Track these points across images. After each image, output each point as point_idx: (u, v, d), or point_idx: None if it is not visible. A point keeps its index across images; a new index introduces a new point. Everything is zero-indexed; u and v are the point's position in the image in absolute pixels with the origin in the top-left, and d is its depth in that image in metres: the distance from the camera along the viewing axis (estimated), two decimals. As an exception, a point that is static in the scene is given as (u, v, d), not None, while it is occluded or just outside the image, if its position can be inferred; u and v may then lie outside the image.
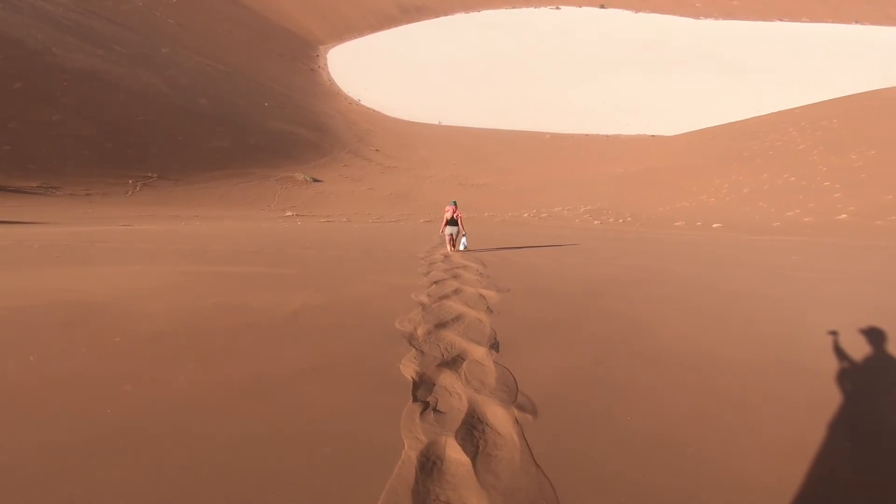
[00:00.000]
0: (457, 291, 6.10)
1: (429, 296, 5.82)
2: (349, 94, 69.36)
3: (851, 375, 3.85)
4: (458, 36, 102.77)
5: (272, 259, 8.36)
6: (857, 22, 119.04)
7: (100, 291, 5.45)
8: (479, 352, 4.01)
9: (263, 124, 43.04)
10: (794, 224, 20.90)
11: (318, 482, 2.30)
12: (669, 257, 11.42)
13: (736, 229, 20.46)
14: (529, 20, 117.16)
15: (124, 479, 2.28)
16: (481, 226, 20.37)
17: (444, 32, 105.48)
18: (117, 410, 2.89)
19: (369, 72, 78.87)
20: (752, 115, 51.27)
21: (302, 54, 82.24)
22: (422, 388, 3.32)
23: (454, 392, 3.28)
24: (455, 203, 10.44)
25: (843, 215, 20.92)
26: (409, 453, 2.52)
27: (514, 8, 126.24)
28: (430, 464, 2.48)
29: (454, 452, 2.57)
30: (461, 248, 10.27)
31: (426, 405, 3.07)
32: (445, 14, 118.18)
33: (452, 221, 10.12)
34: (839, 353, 4.28)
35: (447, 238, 10.22)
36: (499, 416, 2.96)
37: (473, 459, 2.51)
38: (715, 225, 21.65)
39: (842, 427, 3.02)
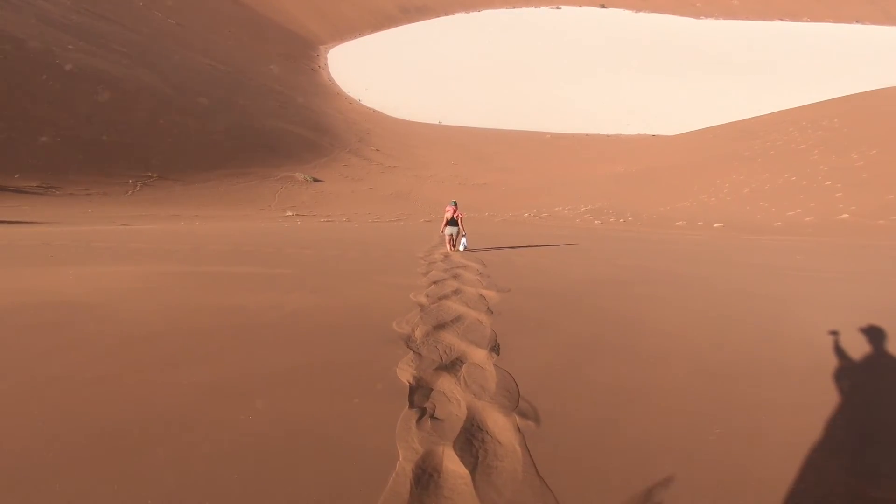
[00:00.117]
0: (456, 292, 5.95)
1: (428, 296, 5.67)
2: (349, 94, 69.25)
3: (851, 375, 3.80)
4: (459, 36, 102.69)
5: (269, 259, 8.23)
6: (857, 21, 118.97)
7: (87, 292, 5.31)
8: (479, 354, 3.86)
9: (264, 124, 42.93)
10: (796, 224, 20.76)
11: (303, 497, 2.15)
12: (672, 257, 11.29)
13: (737, 229, 20.32)
14: (530, 20, 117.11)
15: (105, 483, 2.14)
16: (482, 225, 20.23)
17: (445, 32, 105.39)
18: (100, 414, 2.75)
19: (370, 71, 78.76)
20: (753, 115, 51.13)
21: (302, 54, 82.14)
22: (419, 393, 3.18)
23: (453, 397, 3.14)
24: (455, 203, 10.31)
25: (845, 215, 20.77)
26: (404, 465, 2.37)
27: (514, 8, 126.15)
28: (426, 476, 2.32)
29: (452, 464, 2.42)
30: (461, 248, 10.16)
31: (423, 412, 2.92)
32: (446, 14, 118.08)
33: (452, 222, 10.00)
34: (839, 352, 4.23)
35: (447, 238, 10.09)
36: (500, 424, 2.81)
37: (473, 472, 2.36)
38: (716, 224, 21.50)
39: (843, 426, 2.94)
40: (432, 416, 2.88)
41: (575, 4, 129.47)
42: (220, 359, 3.63)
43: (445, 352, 3.90)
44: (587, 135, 59.09)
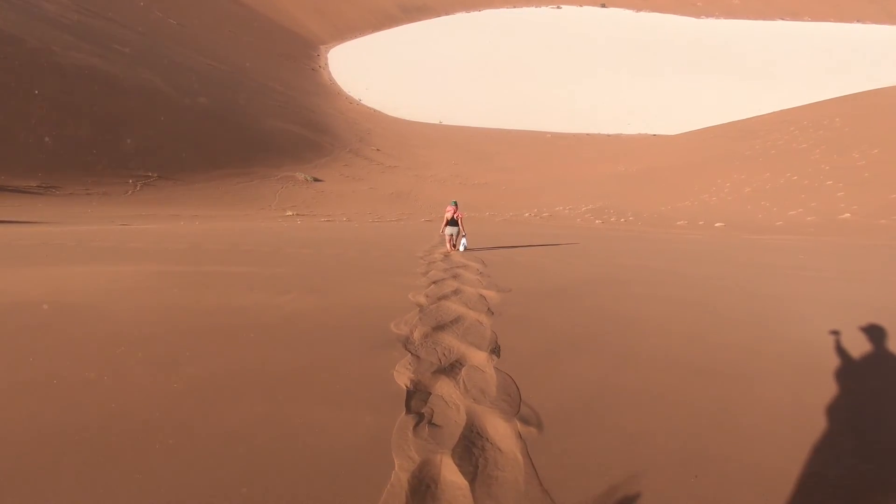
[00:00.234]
0: (456, 292, 5.86)
1: (427, 296, 5.58)
2: (350, 94, 69.11)
3: (852, 375, 3.77)
4: (459, 35, 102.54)
5: (267, 258, 8.14)
6: (859, 21, 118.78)
7: (85, 291, 5.22)
8: (479, 357, 3.76)
9: (264, 124, 42.84)
10: (797, 223, 20.65)
11: (298, 508, 2.06)
12: (673, 256, 11.20)
13: (738, 228, 20.22)
14: (530, 19, 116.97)
15: (104, 484, 2.06)
16: (482, 225, 20.14)
17: (445, 32, 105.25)
18: (95, 414, 2.67)
19: (370, 71, 78.62)
20: (754, 114, 50.97)
21: (303, 54, 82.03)
22: (416, 397, 3.08)
23: (451, 402, 3.04)
24: (455, 203, 10.22)
25: (847, 214, 20.65)
26: (400, 475, 2.27)
27: (514, 7, 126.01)
28: (423, 487, 2.22)
29: (451, 474, 2.32)
30: (461, 248, 10.08)
31: (420, 418, 2.82)
32: (446, 13, 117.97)
33: (453, 222, 9.91)
34: (840, 352, 4.22)
35: (447, 238, 10.01)
36: (500, 431, 2.71)
37: (472, 482, 2.26)
38: (717, 224, 21.40)
39: (843, 426, 2.91)
40: (430, 423, 2.78)
41: (575, 4, 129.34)
42: (216, 359, 3.54)
43: (444, 354, 3.80)
44: (588, 134, 58.94)
